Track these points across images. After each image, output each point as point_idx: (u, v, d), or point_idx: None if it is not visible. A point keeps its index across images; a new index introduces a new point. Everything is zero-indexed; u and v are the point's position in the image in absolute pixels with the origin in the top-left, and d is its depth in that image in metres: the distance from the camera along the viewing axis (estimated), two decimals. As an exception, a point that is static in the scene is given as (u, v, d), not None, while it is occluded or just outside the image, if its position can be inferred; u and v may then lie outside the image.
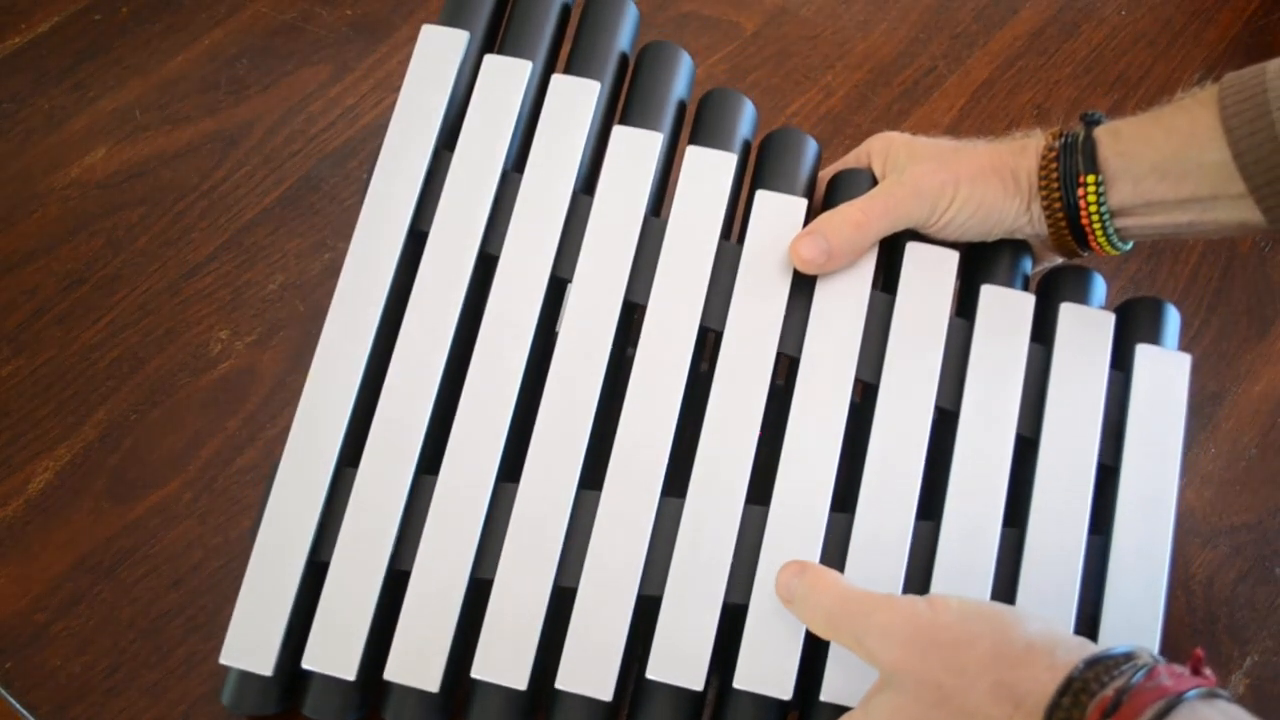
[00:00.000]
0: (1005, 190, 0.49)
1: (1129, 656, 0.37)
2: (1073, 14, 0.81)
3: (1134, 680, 0.36)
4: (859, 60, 0.78)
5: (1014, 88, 0.78)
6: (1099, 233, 0.49)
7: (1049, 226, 0.50)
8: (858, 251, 0.50)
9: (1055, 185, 0.48)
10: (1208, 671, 0.37)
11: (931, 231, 0.51)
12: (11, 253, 0.67)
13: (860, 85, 0.77)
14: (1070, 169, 0.48)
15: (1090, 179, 0.48)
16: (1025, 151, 0.50)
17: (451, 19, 0.54)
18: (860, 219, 0.49)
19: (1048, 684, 0.37)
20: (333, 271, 0.67)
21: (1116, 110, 0.77)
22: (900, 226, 0.50)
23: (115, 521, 0.59)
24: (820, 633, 0.44)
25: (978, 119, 0.76)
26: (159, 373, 0.64)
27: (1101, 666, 0.37)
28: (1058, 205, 0.49)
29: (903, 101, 0.76)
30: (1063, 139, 0.49)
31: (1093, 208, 0.48)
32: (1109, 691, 0.36)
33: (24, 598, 0.57)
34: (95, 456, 0.61)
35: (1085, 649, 0.38)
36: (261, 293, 0.66)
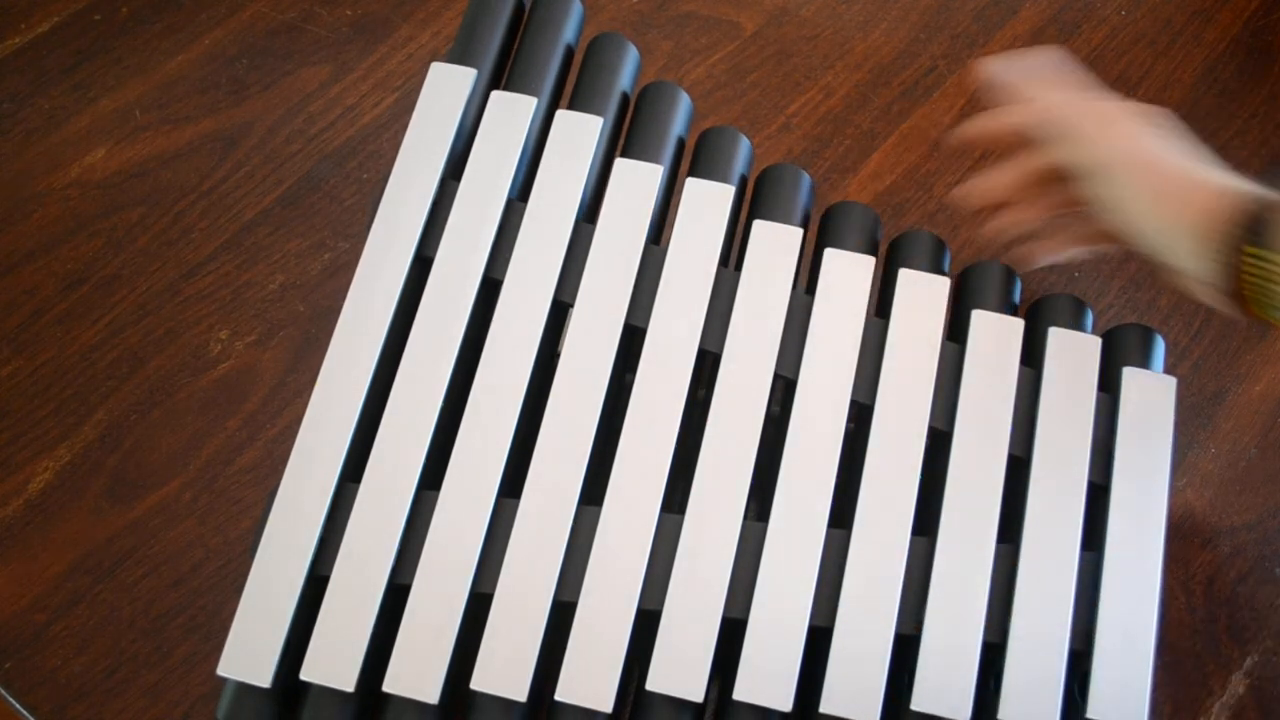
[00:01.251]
0: (1197, 245, 0.47)
1: None
2: (1073, 14, 0.81)
3: None
4: (859, 60, 0.78)
5: (1014, 88, 0.78)
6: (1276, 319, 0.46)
7: (1230, 300, 0.47)
8: (1017, 118, 0.52)
9: (1250, 274, 0.45)
10: None
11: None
12: (11, 253, 0.67)
13: (860, 85, 0.77)
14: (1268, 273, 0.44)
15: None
16: (1224, 218, 0.46)
17: (460, 57, 0.55)
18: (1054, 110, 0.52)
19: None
20: (333, 271, 0.67)
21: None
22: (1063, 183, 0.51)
23: (115, 521, 0.59)
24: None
25: (978, 119, 0.76)
26: (159, 373, 0.64)
27: None
28: (1245, 289, 0.45)
29: (903, 101, 0.76)
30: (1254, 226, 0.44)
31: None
32: None
33: (24, 598, 0.57)
34: (95, 456, 0.61)
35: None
36: (261, 293, 0.66)
